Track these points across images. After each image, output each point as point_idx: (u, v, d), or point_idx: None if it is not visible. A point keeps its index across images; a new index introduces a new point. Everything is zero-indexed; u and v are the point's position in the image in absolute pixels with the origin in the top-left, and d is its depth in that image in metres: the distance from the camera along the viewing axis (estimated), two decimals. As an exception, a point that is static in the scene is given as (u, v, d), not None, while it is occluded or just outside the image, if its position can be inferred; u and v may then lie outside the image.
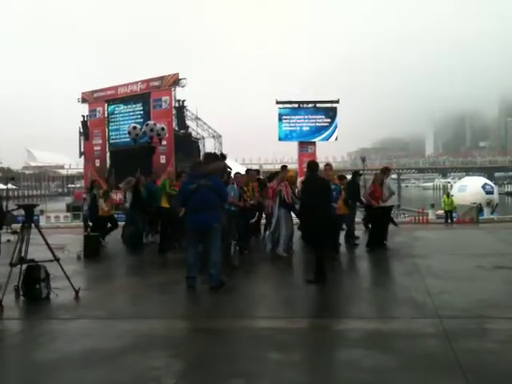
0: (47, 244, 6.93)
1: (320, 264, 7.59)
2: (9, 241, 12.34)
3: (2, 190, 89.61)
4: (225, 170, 9.72)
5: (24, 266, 6.79)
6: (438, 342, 4.87)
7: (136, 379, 4.10)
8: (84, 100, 39.85)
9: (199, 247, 7.62)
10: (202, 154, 16.93)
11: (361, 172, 15.52)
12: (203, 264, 7.44)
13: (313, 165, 8.22)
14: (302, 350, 4.86)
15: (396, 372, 4.19)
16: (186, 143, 33.90)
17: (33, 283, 6.73)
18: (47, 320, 6.02)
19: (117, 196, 20.37)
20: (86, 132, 39.69)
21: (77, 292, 6.83)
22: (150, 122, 21.11)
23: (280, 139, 33.22)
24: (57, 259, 6.90)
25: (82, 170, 49.96)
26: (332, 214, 8.76)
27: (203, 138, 37.70)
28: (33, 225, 7.09)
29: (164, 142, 30.70)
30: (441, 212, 30.68)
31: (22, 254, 6.72)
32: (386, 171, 11.98)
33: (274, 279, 8.59)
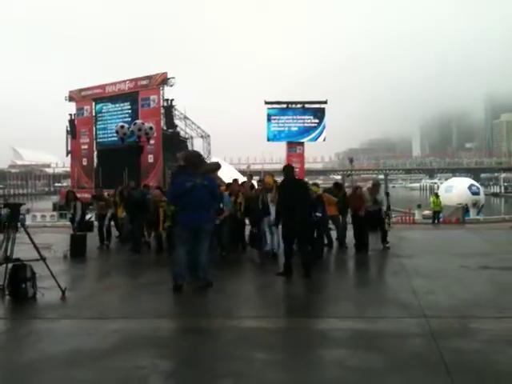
0: (33, 243, 6.87)
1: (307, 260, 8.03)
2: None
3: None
4: (219, 169, 9.71)
5: (10, 265, 6.72)
6: (424, 341, 4.90)
7: (122, 379, 4.07)
8: (71, 98, 39.59)
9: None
10: (183, 151, 16.78)
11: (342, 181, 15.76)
12: (190, 264, 7.44)
13: (286, 168, 8.86)
14: (288, 349, 4.85)
15: (382, 371, 4.21)
16: (174, 142, 33.82)
17: (19, 283, 6.66)
18: (33, 320, 5.95)
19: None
20: (73, 131, 39.46)
21: (63, 292, 6.77)
22: (138, 121, 21.13)
23: (269, 139, 33.27)
24: (43, 258, 6.84)
25: (68, 169, 49.60)
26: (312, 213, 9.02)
27: (191, 137, 37.66)
28: (18, 224, 7.03)
29: (152, 142, 30.66)
30: (427, 212, 30.84)
31: (8, 253, 6.66)
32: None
33: (261, 280, 8.55)
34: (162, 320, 5.87)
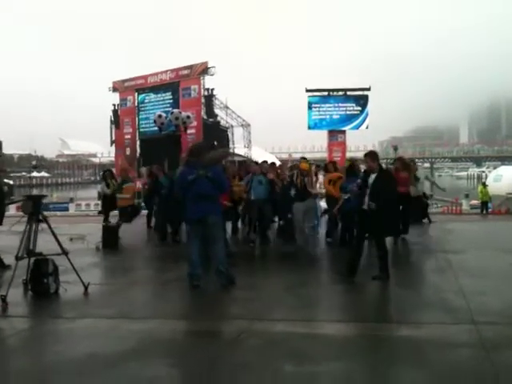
0: (55, 237, 6.60)
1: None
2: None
3: (35, 177, 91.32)
4: (225, 157, 9.29)
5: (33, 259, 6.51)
6: (473, 352, 4.35)
7: (134, 390, 3.73)
8: (115, 89, 39.95)
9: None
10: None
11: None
12: (207, 260, 7.11)
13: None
14: (320, 359, 4.32)
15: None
16: (214, 132, 33.59)
17: (40, 278, 6.45)
18: (51, 319, 5.69)
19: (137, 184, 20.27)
20: (116, 121, 39.82)
21: (86, 287, 6.51)
22: (175, 110, 20.89)
23: (309, 128, 32.57)
24: (65, 253, 6.56)
25: (113, 159, 50.22)
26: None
27: (232, 126, 37.38)
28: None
29: (193, 131, 30.50)
30: (475, 202, 29.69)
31: (31, 247, 6.43)
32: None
33: (295, 277, 7.78)
34: (183, 321, 5.53)
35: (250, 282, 7.17)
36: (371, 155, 7.35)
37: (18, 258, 6.29)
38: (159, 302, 6.53)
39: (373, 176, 7.19)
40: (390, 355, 4.41)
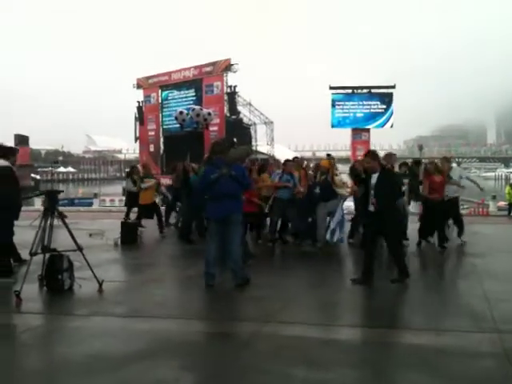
0: (70, 232, 6.52)
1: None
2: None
3: (61, 173, 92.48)
4: (248, 155, 9.12)
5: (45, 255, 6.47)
6: (496, 363, 4.10)
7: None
8: (139, 86, 40.28)
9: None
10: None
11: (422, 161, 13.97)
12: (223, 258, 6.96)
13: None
14: (334, 366, 4.13)
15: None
16: (237, 129, 33.55)
17: (55, 274, 6.40)
18: (62, 316, 5.61)
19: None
20: (141, 117, 40.11)
21: (100, 284, 6.44)
22: (197, 107, 20.89)
23: (333, 126, 32.33)
24: (80, 249, 6.50)
25: (138, 155, 50.54)
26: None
27: (255, 124, 37.25)
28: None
29: (215, 128, 30.51)
30: (502, 204, 29.04)
31: (45, 243, 6.38)
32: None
33: (312, 278, 7.65)
34: (195, 322, 5.36)
35: (266, 282, 6.99)
36: (371, 155, 7.18)
37: (32, 254, 6.27)
38: (172, 300, 6.39)
39: (375, 176, 7.01)
40: (405, 363, 4.19)
